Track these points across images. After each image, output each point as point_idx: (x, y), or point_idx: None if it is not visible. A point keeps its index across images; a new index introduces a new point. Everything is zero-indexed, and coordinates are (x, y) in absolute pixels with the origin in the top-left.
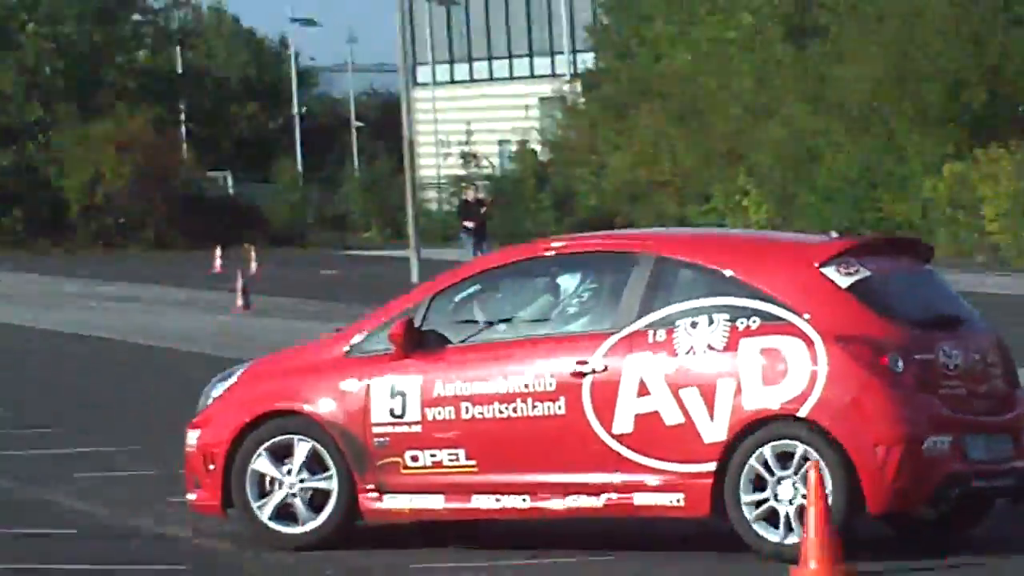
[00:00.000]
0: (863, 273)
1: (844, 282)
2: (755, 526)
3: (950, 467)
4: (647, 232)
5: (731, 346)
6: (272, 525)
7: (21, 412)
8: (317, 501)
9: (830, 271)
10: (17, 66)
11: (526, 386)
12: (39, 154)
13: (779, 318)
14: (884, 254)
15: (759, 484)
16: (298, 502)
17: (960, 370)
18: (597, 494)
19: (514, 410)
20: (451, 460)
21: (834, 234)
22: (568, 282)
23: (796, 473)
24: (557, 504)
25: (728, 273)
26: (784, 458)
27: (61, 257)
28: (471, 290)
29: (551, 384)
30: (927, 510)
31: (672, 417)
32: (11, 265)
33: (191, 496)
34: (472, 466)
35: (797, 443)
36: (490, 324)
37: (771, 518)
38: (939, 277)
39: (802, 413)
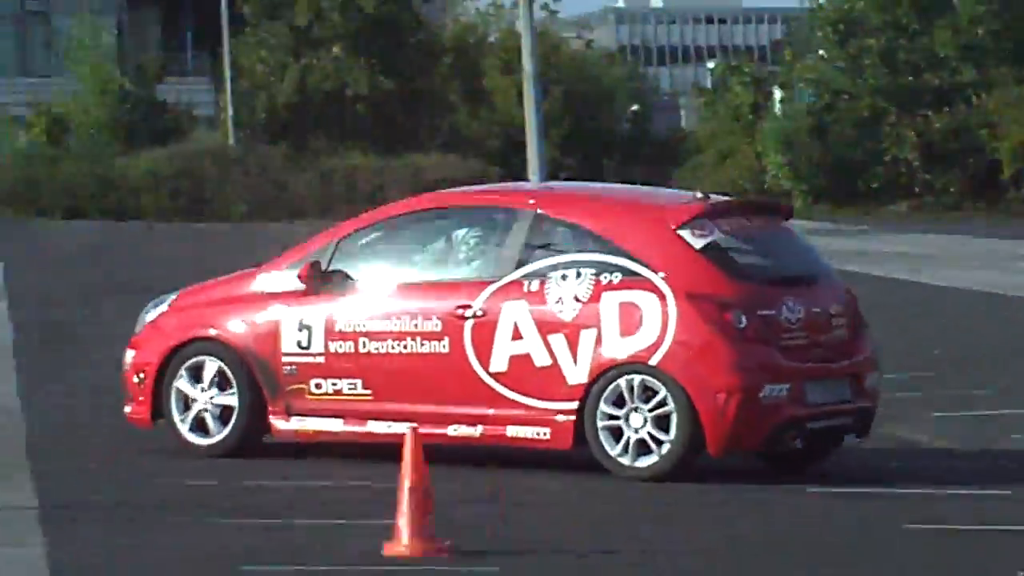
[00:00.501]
0: (716, 235)
1: (698, 244)
2: (612, 454)
3: (787, 412)
4: (530, 188)
5: (594, 298)
6: (189, 436)
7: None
8: (226, 416)
9: (685, 233)
10: (952, 28)
11: (415, 325)
12: (972, 116)
13: (638, 275)
14: (740, 215)
15: (613, 417)
16: (209, 416)
17: (802, 322)
18: (474, 425)
19: (405, 347)
20: (350, 389)
21: (698, 195)
22: (459, 232)
23: (646, 403)
24: (440, 431)
25: (596, 231)
26: (635, 392)
27: (994, 219)
28: (373, 236)
29: (437, 325)
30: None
31: (541, 359)
32: (944, 227)
33: (127, 409)
34: (368, 395)
35: (642, 377)
36: (387, 268)
37: (625, 446)
38: (796, 236)
39: (652, 362)
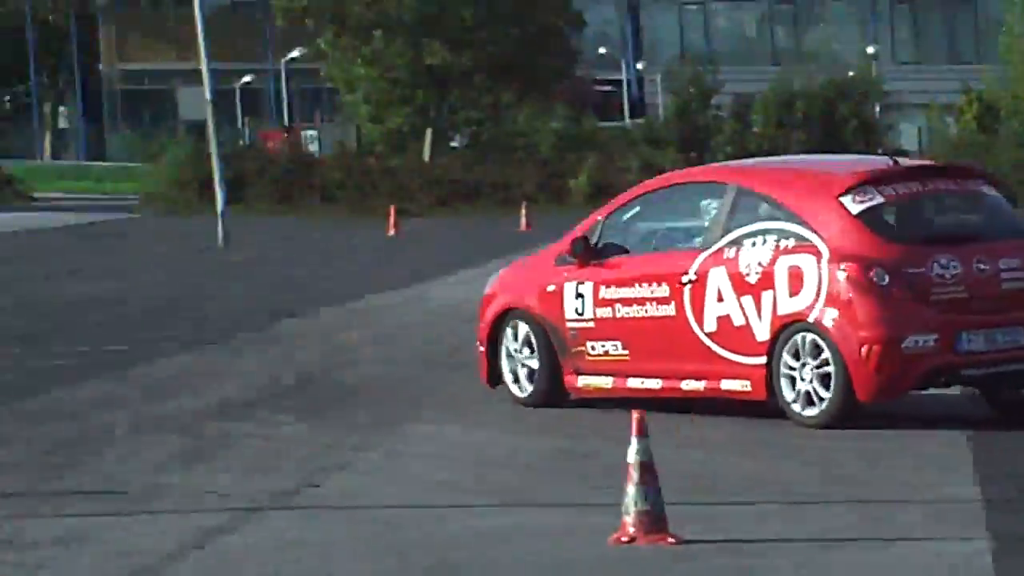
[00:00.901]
0: (875, 200)
1: (855, 209)
2: (788, 401)
3: (933, 361)
4: (736, 164)
5: (772, 262)
6: (512, 389)
7: None
8: (533, 375)
9: (846, 199)
10: None
11: (652, 291)
12: None
13: (806, 239)
14: (915, 179)
15: (792, 369)
16: (522, 374)
17: (959, 277)
18: (700, 379)
19: (645, 311)
20: (613, 350)
21: (888, 160)
22: (688, 205)
23: (814, 359)
24: (676, 386)
25: (778, 201)
26: (806, 347)
27: None
28: (631, 212)
29: (665, 290)
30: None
31: (738, 319)
32: None
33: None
34: (625, 355)
35: (812, 335)
36: (637, 240)
37: (797, 396)
38: (983, 197)
39: (810, 319)
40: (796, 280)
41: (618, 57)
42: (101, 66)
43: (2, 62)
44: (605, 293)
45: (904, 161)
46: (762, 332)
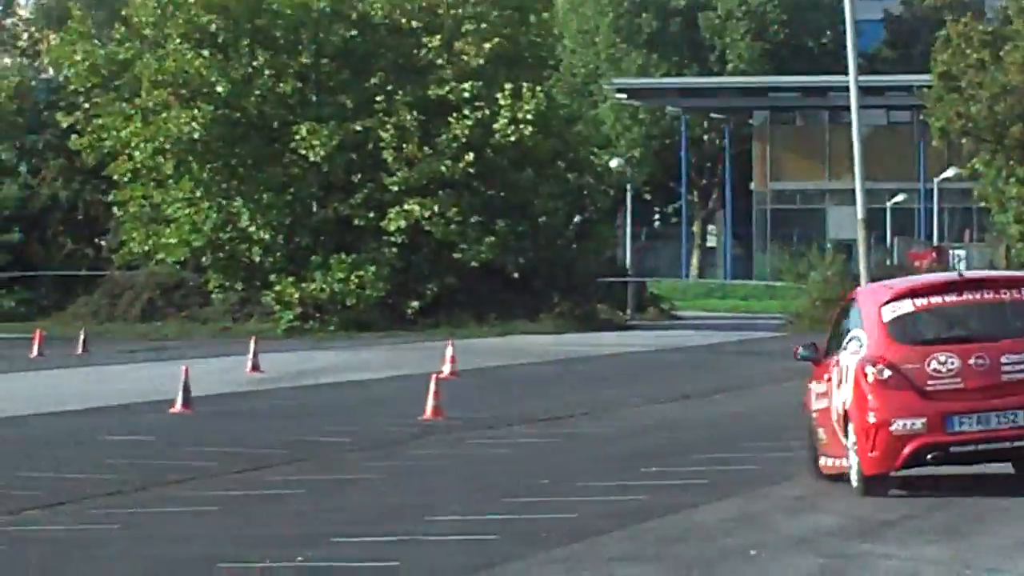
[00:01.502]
0: (904, 310)
1: (887, 317)
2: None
3: (921, 440)
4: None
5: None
6: None
7: None
8: None
9: (885, 310)
10: None
11: (821, 388)
12: None
13: (863, 343)
14: (952, 292)
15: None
16: None
17: (955, 371)
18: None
19: (824, 404)
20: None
21: (955, 274)
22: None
23: None
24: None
25: (860, 311)
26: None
27: None
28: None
29: (823, 388)
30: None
31: (839, 409)
32: None
33: None
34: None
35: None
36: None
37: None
38: (1008, 304)
39: (845, 407)
40: (848, 376)
41: None
42: (753, 185)
43: (658, 181)
44: (816, 389)
45: (968, 274)
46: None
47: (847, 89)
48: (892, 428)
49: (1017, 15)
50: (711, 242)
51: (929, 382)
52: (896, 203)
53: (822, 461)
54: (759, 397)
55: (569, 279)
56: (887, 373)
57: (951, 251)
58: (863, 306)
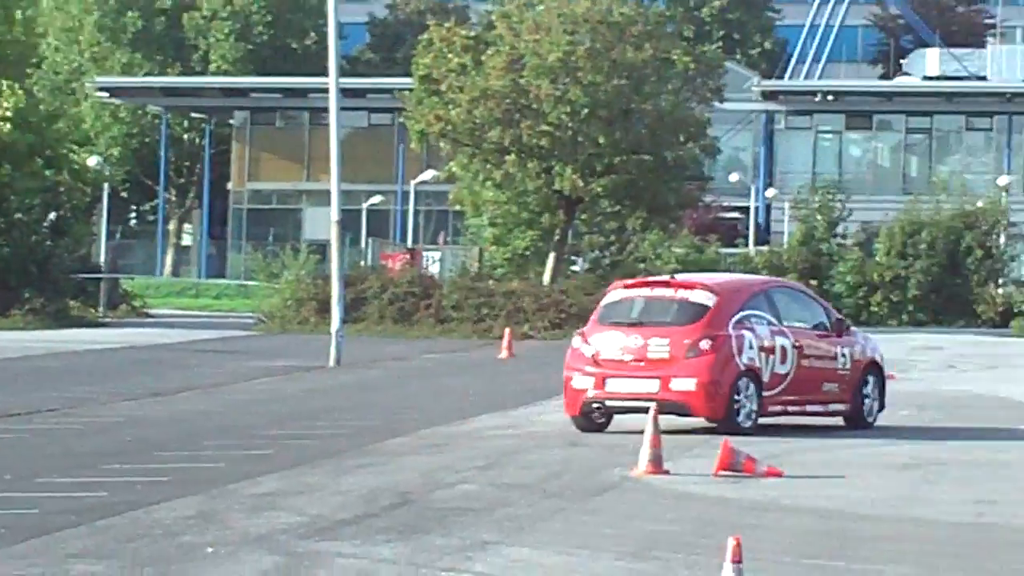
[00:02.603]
0: (612, 299)
1: (603, 302)
2: None
3: (590, 395)
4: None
5: None
6: None
7: None
8: None
9: (605, 297)
10: None
11: None
12: None
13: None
14: (644, 287)
15: None
16: None
17: (623, 347)
18: None
19: None
20: None
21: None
22: None
23: None
24: None
25: None
26: None
27: None
28: None
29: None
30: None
31: None
32: None
33: None
34: None
35: None
36: None
37: None
38: (684, 301)
39: None
40: None
41: (748, 184)
42: (231, 184)
43: (137, 179)
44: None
45: (662, 279)
46: None
47: (327, 91)
48: (573, 383)
49: (500, 20)
50: (187, 240)
51: (604, 352)
52: (373, 205)
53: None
54: (227, 395)
55: (43, 275)
56: (581, 342)
57: (425, 253)
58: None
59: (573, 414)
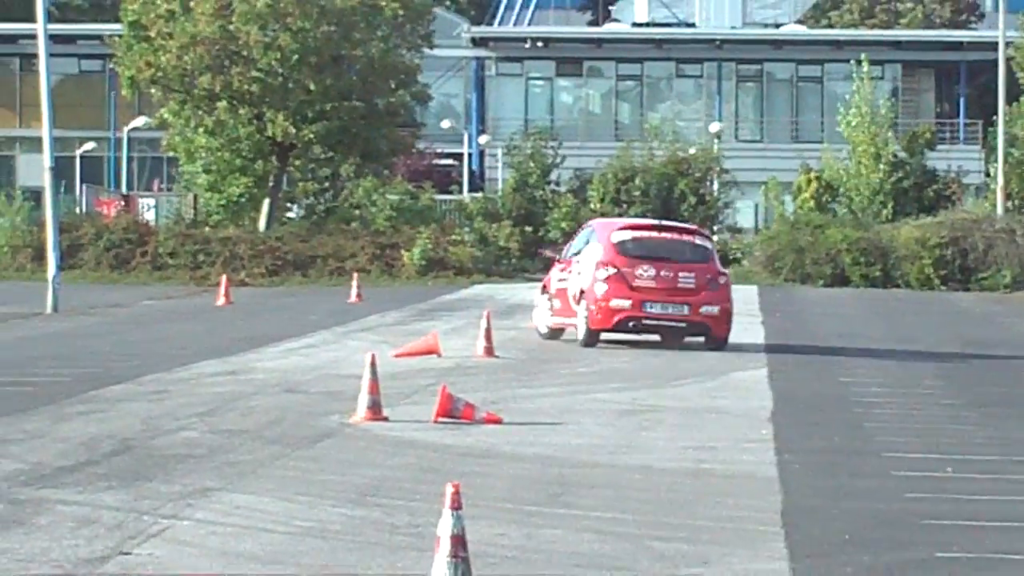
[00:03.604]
0: (627, 237)
1: (615, 239)
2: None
3: (626, 313)
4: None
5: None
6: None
7: None
8: None
9: (615, 235)
10: None
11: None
12: None
13: (600, 253)
14: (654, 230)
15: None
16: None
17: (651, 276)
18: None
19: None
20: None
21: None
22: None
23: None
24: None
25: (596, 233)
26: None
27: None
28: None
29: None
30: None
31: (575, 290)
32: None
33: None
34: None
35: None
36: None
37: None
38: (690, 243)
39: (576, 290)
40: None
41: (461, 130)
42: None
43: None
44: (557, 276)
45: (664, 224)
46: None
47: (36, 37)
48: (611, 304)
49: None
50: None
51: (634, 279)
52: (86, 151)
53: (552, 321)
54: None
55: None
56: (606, 272)
57: (140, 200)
58: (598, 231)
59: (606, 328)
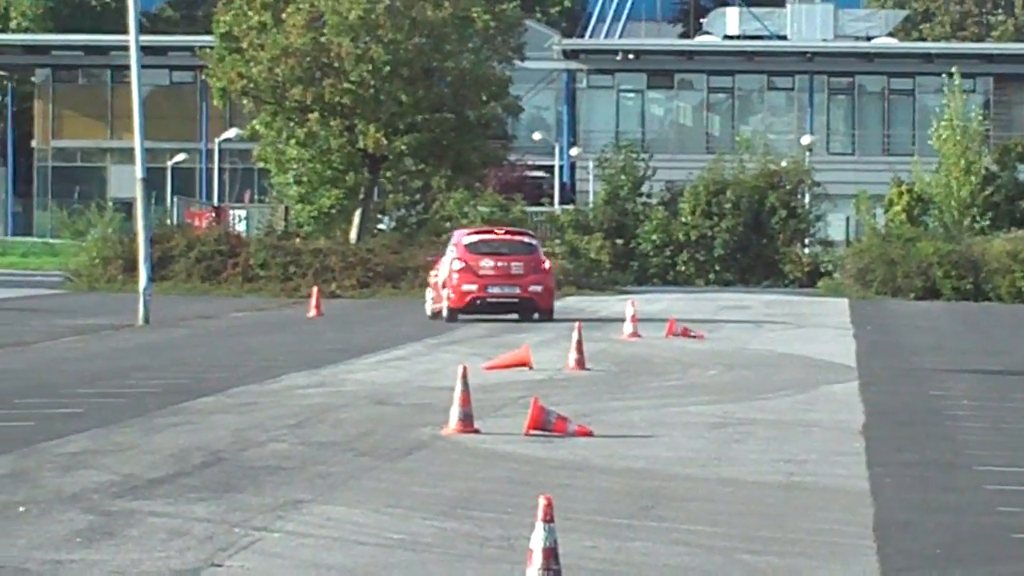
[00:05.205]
0: (475, 239)
1: (465, 242)
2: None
3: (475, 294)
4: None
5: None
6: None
7: None
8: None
9: (464, 239)
10: None
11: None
12: None
13: (456, 254)
14: (494, 234)
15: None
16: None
17: (492, 267)
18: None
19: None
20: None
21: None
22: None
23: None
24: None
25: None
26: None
27: None
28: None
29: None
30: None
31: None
32: None
33: None
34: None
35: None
36: None
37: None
38: (523, 242)
39: (442, 280)
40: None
41: (552, 143)
42: (35, 142)
43: None
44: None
45: (499, 227)
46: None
47: (128, 48)
48: (464, 287)
49: None
50: None
51: (479, 269)
52: (177, 163)
53: (433, 307)
54: (36, 354)
55: None
56: (460, 264)
57: (231, 211)
58: (454, 236)
59: (460, 307)
